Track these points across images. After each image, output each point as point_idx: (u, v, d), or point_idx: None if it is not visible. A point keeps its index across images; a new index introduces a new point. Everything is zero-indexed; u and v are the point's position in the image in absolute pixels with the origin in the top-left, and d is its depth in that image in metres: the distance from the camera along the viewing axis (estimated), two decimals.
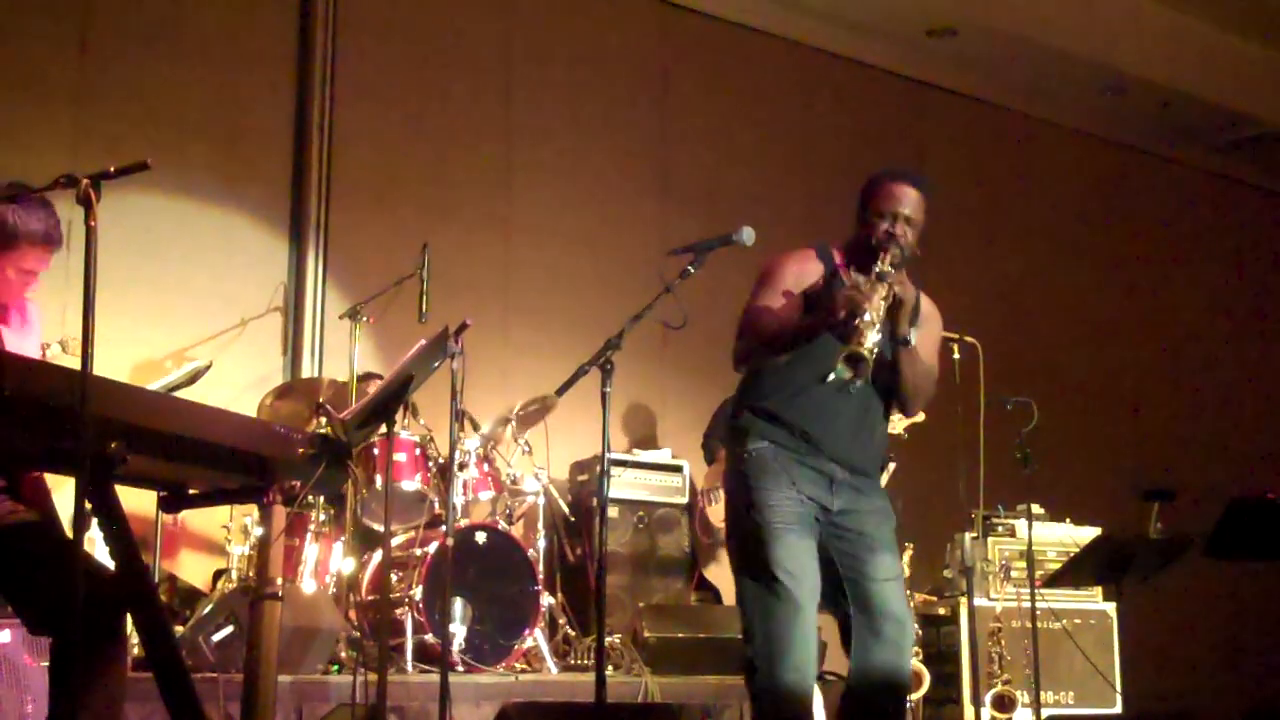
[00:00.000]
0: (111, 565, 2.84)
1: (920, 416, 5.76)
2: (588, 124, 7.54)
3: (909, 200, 3.57)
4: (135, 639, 3.66)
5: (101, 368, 2.57)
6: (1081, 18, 8.34)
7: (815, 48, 8.33)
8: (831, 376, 3.33)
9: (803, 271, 3.65)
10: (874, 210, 3.59)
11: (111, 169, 2.62)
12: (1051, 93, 9.08)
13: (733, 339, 3.67)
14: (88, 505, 2.54)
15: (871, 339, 3.30)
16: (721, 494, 6.56)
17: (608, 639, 4.79)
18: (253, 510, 5.15)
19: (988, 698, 5.66)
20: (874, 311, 3.33)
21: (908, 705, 5.49)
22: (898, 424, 5.67)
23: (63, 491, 3.01)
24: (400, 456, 5.41)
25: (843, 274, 3.61)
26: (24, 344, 3.22)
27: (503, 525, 5.58)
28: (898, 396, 3.65)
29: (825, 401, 3.51)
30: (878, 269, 3.42)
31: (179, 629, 4.60)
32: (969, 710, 5.63)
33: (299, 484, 3.09)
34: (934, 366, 3.74)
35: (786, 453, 3.53)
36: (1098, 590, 6.08)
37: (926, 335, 3.69)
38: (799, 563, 3.47)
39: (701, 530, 6.79)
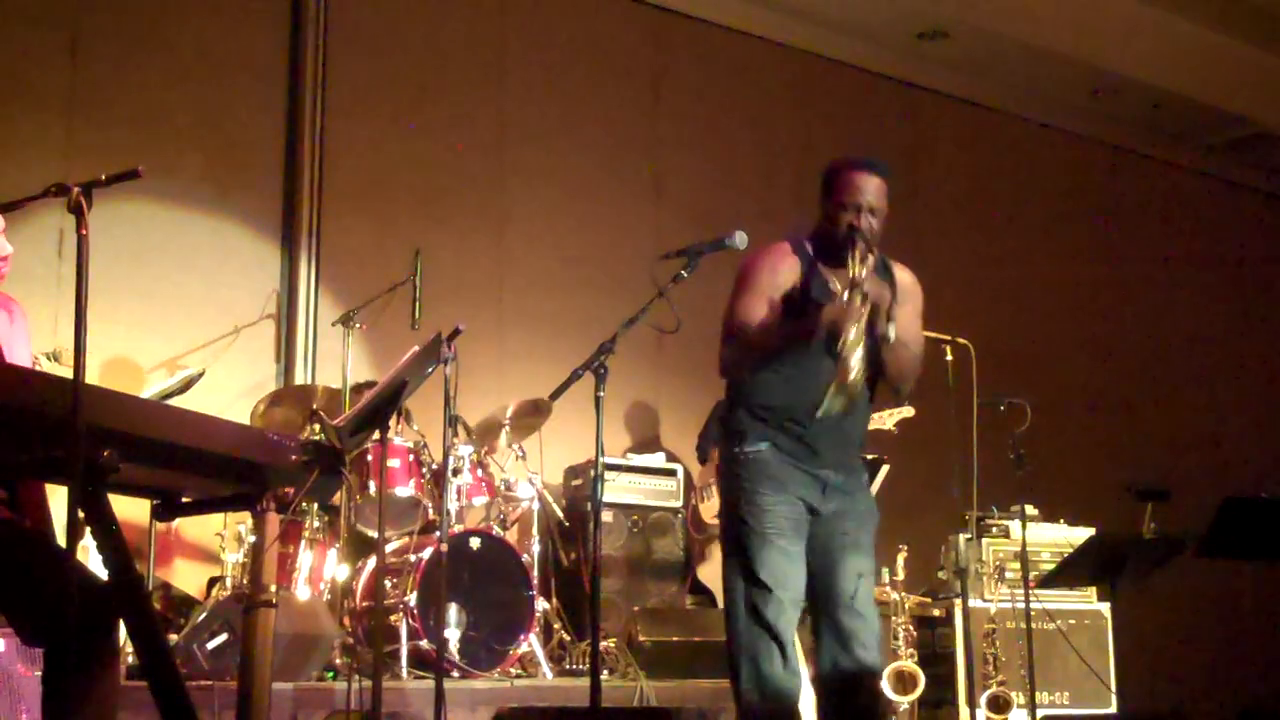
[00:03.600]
0: (105, 574, 2.83)
1: (910, 412, 5.78)
2: (580, 129, 7.53)
3: (871, 188, 3.59)
4: (130, 648, 3.66)
5: (94, 376, 2.57)
6: (1072, 19, 8.36)
7: (807, 51, 8.34)
8: (821, 412, 3.43)
9: (780, 268, 3.66)
10: (836, 202, 3.60)
11: (103, 177, 2.60)
12: (1042, 94, 9.10)
13: (719, 344, 3.69)
14: (81, 514, 2.53)
15: (855, 361, 3.37)
16: (715, 491, 6.59)
17: (603, 643, 4.79)
18: (246, 518, 5.13)
19: (983, 699, 5.67)
20: (857, 328, 3.36)
21: (904, 706, 5.52)
22: (888, 420, 5.68)
23: (56, 500, 3.00)
24: (394, 463, 5.41)
25: (821, 270, 3.63)
26: (14, 348, 3.21)
27: (497, 530, 5.58)
28: (888, 384, 3.70)
29: (818, 399, 3.51)
30: (852, 275, 3.43)
31: (173, 637, 4.60)
32: (964, 711, 5.63)
33: (293, 491, 3.09)
34: (919, 336, 3.75)
35: (786, 458, 3.56)
36: (1092, 591, 6.09)
37: (910, 310, 3.70)
38: (785, 570, 3.52)
39: (694, 526, 6.80)
